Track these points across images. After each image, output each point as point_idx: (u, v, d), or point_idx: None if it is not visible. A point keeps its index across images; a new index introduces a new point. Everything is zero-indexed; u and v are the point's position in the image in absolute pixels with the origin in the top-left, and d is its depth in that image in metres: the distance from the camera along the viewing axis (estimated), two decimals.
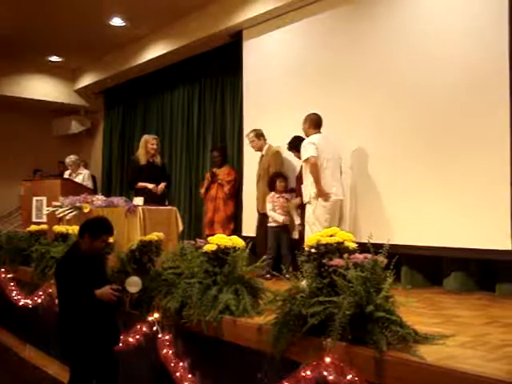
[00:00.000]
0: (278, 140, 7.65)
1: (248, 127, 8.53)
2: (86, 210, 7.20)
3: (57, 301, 4.38)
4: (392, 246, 3.34)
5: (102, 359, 4.17)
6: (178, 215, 7.05)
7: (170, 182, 8.44)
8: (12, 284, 7.56)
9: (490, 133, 5.73)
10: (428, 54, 6.33)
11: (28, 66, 13.11)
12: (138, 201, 6.79)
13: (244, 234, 8.10)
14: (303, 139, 6.78)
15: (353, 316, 3.00)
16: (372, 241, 3.32)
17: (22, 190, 9.92)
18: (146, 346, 4.71)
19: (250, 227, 8.23)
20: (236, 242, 4.41)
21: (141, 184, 7.60)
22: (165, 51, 10.57)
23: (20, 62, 12.87)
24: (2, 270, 7.85)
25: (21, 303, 7.14)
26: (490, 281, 5.89)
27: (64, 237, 6.68)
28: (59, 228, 6.92)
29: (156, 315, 4.63)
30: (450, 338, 3.29)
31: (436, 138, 6.19)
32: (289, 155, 7.74)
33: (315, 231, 5.82)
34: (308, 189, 6.26)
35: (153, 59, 11.04)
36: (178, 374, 4.31)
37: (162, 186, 7.71)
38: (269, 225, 7.28)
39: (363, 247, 3.39)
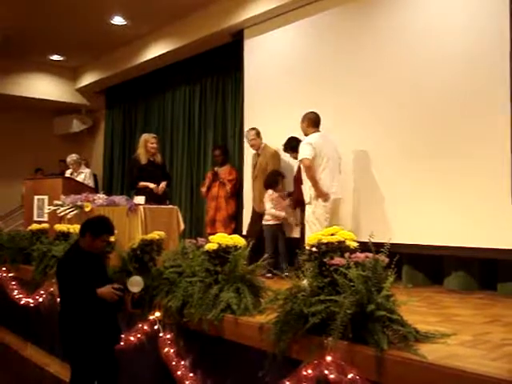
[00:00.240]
0: (279, 139, 7.63)
1: (249, 126, 8.53)
2: (87, 209, 7.21)
3: (58, 300, 4.39)
4: (393, 245, 3.34)
5: (103, 358, 4.17)
6: (179, 214, 7.05)
7: (170, 180, 8.44)
8: (13, 283, 7.58)
9: (490, 132, 5.73)
10: (428, 53, 6.33)
11: (29, 65, 13.12)
12: (140, 200, 6.79)
13: (244, 233, 8.10)
14: (299, 140, 6.79)
15: (354, 315, 3.01)
16: (373, 240, 3.32)
17: (23, 188, 9.93)
18: (147, 344, 4.72)
19: None
20: (237, 240, 4.41)
21: (142, 183, 7.60)
22: (166, 50, 10.57)
23: (21, 61, 12.88)
24: (4, 268, 7.87)
25: (22, 302, 7.16)
26: (491, 280, 5.90)
27: (65, 236, 6.69)
28: (60, 227, 6.93)
29: (157, 314, 4.64)
30: (451, 336, 3.30)
31: (437, 137, 6.19)
32: (285, 155, 7.77)
33: (315, 231, 5.84)
34: (308, 189, 6.27)
35: (154, 58, 11.03)
36: (179, 372, 4.32)
37: (163, 185, 7.70)
38: (267, 223, 7.27)
39: (364, 246, 3.40)
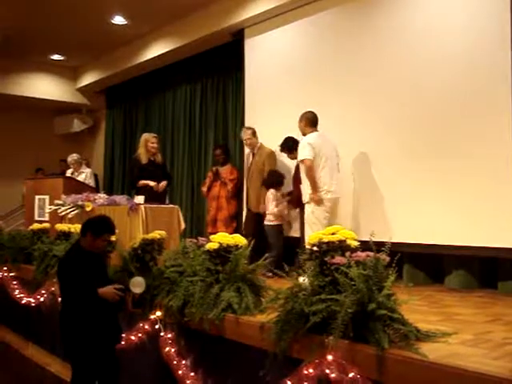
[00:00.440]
0: (279, 138, 7.62)
1: (249, 125, 8.54)
2: (88, 209, 7.21)
3: (59, 299, 4.39)
4: (394, 244, 3.35)
5: (104, 358, 4.17)
6: (180, 214, 7.06)
7: (170, 180, 8.43)
8: (14, 282, 7.59)
9: (490, 132, 5.73)
10: (428, 53, 6.33)
11: (30, 65, 13.13)
12: (139, 199, 6.79)
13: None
14: (295, 140, 6.80)
15: (355, 314, 3.01)
16: (374, 239, 3.32)
17: (24, 188, 9.94)
18: (148, 344, 4.73)
19: None
20: (238, 240, 4.41)
21: (142, 182, 7.60)
22: (166, 50, 10.58)
23: (22, 61, 12.89)
24: (5, 268, 7.88)
25: (23, 302, 7.16)
26: (492, 279, 5.90)
27: (66, 235, 6.70)
28: (61, 226, 6.94)
29: (158, 313, 4.64)
30: (452, 335, 3.30)
31: (437, 136, 6.18)
32: (281, 155, 7.81)
33: (316, 230, 5.86)
34: (307, 189, 6.27)
35: (154, 58, 11.04)
36: (180, 372, 4.32)
37: (164, 183, 7.71)
38: (271, 223, 7.26)
39: (365, 245, 3.40)
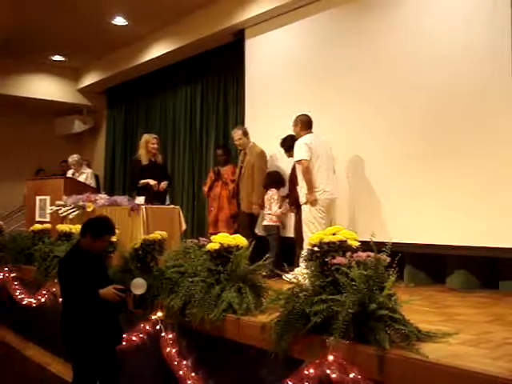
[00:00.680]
0: (280, 138, 7.63)
1: (250, 125, 8.55)
2: (89, 209, 7.22)
3: (60, 300, 4.39)
4: (394, 244, 3.34)
5: (105, 358, 4.17)
6: (181, 214, 7.07)
7: (171, 181, 8.43)
8: (16, 283, 7.59)
9: (491, 132, 5.72)
10: (429, 53, 6.33)
11: (31, 66, 13.14)
12: (139, 200, 6.80)
13: None
14: (295, 138, 6.81)
15: (355, 314, 3.01)
16: (374, 239, 3.32)
17: (25, 189, 9.94)
18: (149, 344, 4.73)
19: None
20: (239, 240, 4.41)
21: (142, 181, 7.61)
22: (167, 50, 10.58)
23: (23, 62, 12.90)
24: (6, 269, 7.87)
25: (24, 302, 7.17)
26: (494, 279, 5.90)
27: (67, 236, 6.71)
28: (62, 227, 6.94)
29: (159, 314, 4.64)
30: (453, 336, 3.30)
31: (438, 136, 6.18)
32: (273, 155, 7.85)
33: (314, 230, 5.93)
34: (304, 189, 6.29)
35: (155, 58, 11.05)
36: (181, 372, 4.32)
37: (164, 183, 7.72)
38: (273, 224, 7.24)
39: (366, 246, 3.40)
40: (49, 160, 13.45)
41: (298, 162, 6.32)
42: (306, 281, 3.48)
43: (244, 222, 7.72)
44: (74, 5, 9.57)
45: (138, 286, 4.41)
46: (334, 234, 3.48)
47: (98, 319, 4.07)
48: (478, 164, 5.80)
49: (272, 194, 7.28)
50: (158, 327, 4.63)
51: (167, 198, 8.22)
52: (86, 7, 9.68)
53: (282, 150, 7.45)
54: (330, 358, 3.02)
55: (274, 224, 7.24)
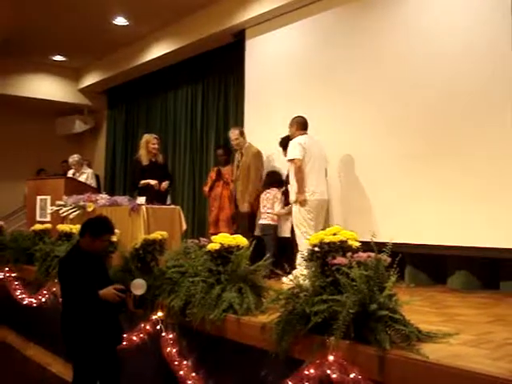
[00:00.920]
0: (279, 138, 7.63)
1: (250, 126, 8.56)
2: (89, 209, 7.23)
3: (60, 300, 4.39)
4: (395, 244, 3.34)
5: (105, 358, 4.17)
6: (182, 214, 7.07)
7: (172, 181, 8.43)
8: (16, 283, 7.59)
9: (493, 132, 5.72)
10: (432, 53, 6.33)
11: (31, 66, 13.16)
12: (140, 200, 6.81)
13: None
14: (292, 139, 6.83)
15: (356, 314, 3.01)
16: (375, 240, 3.32)
17: (26, 189, 9.95)
18: (149, 344, 4.73)
19: None
20: (239, 240, 4.41)
21: (143, 181, 7.62)
22: (168, 50, 10.59)
23: (23, 62, 12.92)
24: (7, 269, 7.88)
25: (25, 302, 7.17)
26: (494, 279, 5.89)
27: (68, 236, 6.71)
28: (63, 227, 6.94)
29: (160, 314, 4.64)
30: (454, 336, 3.29)
31: (439, 136, 6.18)
32: (269, 156, 7.88)
33: (303, 230, 6.10)
34: (294, 188, 6.35)
35: (156, 58, 11.05)
36: (181, 372, 4.32)
37: (166, 183, 7.72)
38: (272, 223, 7.24)
39: (366, 246, 3.40)
40: (50, 160, 13.47)
41: (291, 161, 6.39)
42: (306, 281, 3.48)
43: (243, 222, 7.72)
44: (75, 5, 9.58)
45: (138, 286, 4.40)
46: (334, 235, 3.47)
47: (98, 319, 4.07)
48: (478, 164, 5.79)
49: (275, 193, 7.27)
50: (158, 327, 4.63)
51: (168, 198, 8.23)
52: (86, 7, 9.69)
53: (281, 150, 7.45)
54: (331, 358, 3.01)
55: (273, 223, 7.24)
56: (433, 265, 6.42)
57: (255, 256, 4.49)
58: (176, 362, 4.39)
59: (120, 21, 10.39)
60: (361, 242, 3.49)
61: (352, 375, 2.92)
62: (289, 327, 3.35)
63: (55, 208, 7.91)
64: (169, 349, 4.47)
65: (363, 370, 2.92)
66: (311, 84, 7.76)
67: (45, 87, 13.53)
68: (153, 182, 7.57)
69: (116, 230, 4.94)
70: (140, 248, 5.14)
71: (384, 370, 2.87)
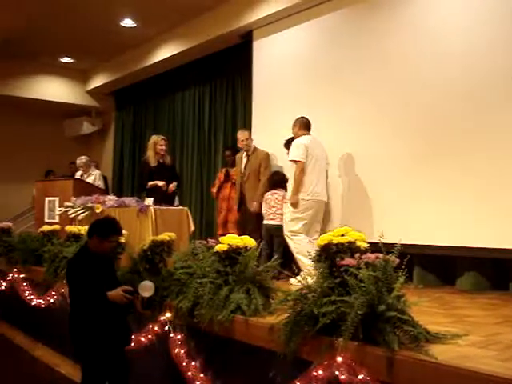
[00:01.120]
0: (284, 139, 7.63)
1: (257, 127, 8.56)
2: (97, 211, 7.24)
3: (68, 301, 4.41)
4: (404, 245, 3.33)
5: (114, 359, 4.18)
6: (190, 215, 7.08)
7: (180, 182, 8.45)
8: (25, 284, 7.62)
9: (499, 132, 5.70)
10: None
11: (40, 68, 13.22)
12: (148, 201, 6.82)
13: None
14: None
15: (364, 315, 3.00)
16: (383, 241, 3.31)
17: (34, 190, 9.98)
18: (158, 345, 4.73)
19: None
20: (247, 241, 4.41)
21: (151, 183, 7.63)
22: (175, 52, 10.61)
23: (32, 64, 12.97)
24: (15, 270, 7.91)
25: (33, 303, 7.19)
26: (503, 280, 5.87)
27: (76, 237, 6.71)
28: (71, 228, 6.95)
29: (168, 315, 4.65)
30: (462, 337, 3.28)
31: (449, 136, 6.16)
32: (280, 157, 7.86)
33: (294, 229, 6.33)
34: (291, 188, 6.46)
35: (163, 60, 11.08)
36: (189, 373, 4.32)
37: (173, 185, 7.73)
38: (279, 224, 7.23)
39: (374, 247, 3.39)
40: (58, 161, 13.52)
41: (293, 161, 6.41)
42: (313, 279, 3.48)
43: (253, 224, 7.72)
44: (83, 7, 9.61)
45: (146, 288, 4.42)
46: (342, 236, 3.47)
47: (106, 320, 4.08)
48: (488, 165, 5.77)
49: (284, 194, 7.22)
50: (166, 328, 4.63)
51: (176, 199, 8.24)
52: (94, 9, 9.72)
53: (286, 152, 7.44)
54: (339, 359, 3.01)
55: (280, 224, 7.22)
56: (441, 266, 6.40)
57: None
58: (184, 363, 4.39)
59: (127, 23, 10.42)
60: (368, 242, 3.49)
61: (360, 376, 2.91)
62: (297, 328, 3.35)
63: (63, 209, 7.93)
64: (177, 350, 4.48)
65: (372, 371, 2.92)
66: (318, 85, 7.75)
67: (53, 89, 13.58)
68: (160, 183, 7.60)
69: (124, 232, 4.96)
70: (148, 249, 5.15)
71: (392, 371, 2.86)
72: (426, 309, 4.36)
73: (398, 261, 3.21)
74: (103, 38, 11.25)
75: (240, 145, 7.99)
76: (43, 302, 6.92)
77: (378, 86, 6.93)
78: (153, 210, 6.59)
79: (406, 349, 2.92)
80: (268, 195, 7.36)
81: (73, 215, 7.66)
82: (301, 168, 6.31)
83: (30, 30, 10.72)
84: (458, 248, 5.96)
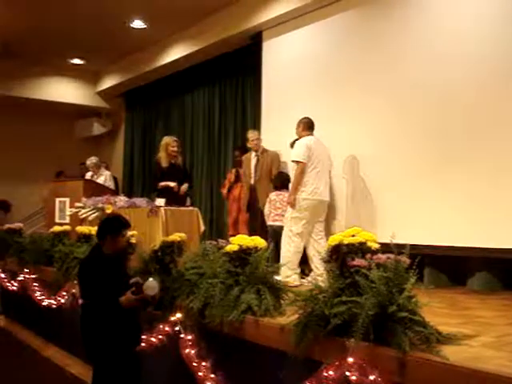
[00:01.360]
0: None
1: (267, 128, 8.56)
2: (108, 211, 7.26)
3: (80, 301, 4.42)
4: (415, 246, 3.32)
5: (125, 360, 4.19)
6: (200, 216, 7.09)
7: (191, 183, 8.46)
8: (36, 284, 7.65)
9: (505, 132, 5.68)
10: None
11: (50, 69, 13.29)
12: (160, 202, 6.84)
13: None
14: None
15: (375, 316, 3.00)
16: (394, 241, 3.31)
17: (45, 191, 10.02)
18: (168, 345, 4.74)
19: None
20: (258, 242, 4.41)
21: (162, 183, 7.65)
22: (185, 53, 10.64)
23: (42, 65, 13.03)
24: (26, 270, 7.94)
25: (44, 303, 7.22)
26: None
27: (87, 237, 6.75)
28: (82, 229, 6.98)
29: (178, 315, 4.65)
30: (474, 338, 3.27)
31: (460, 138, 6.14)
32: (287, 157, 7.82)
33: (293, 229, 6.35)
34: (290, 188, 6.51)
35: (173, 61, 11.11)
36: (200, 373, 4.32)
37: (185, 186, 7.75)
38: (282, 224, 7.23)
39: (385, 247, 3.38)
40: (69, 162, 13.57)
41: (295, 161, 6.45)
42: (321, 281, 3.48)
43: (262, 224, 7.71)
44: (93, 8, 9.65)
45: (150, 287, 4.40)
46: (353, 236, 3.46)
47: (117, 320, 4.08)
48: (499, 165, 5.75)
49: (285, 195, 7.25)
50: (177, 328, 4.64)
51: (188, 199, 8.25)
52: (104, 11, 9.76)
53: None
54: (350, 360, 3.00)
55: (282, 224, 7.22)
56: (452, 266, 6.38)
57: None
58: (195, 363, 4.39)
59: (138, 24, 10.45)
60: (379, 243, 3.48)
61: (372, 377, 2.91)
62: (308, 329, 3.34)
63: (74, 210, 7.97)
64: (187, 350, 4.48)
65: (383, 371, 2.91)
66: (328, 85, 7.74)
67: (63, 90, 13.66)
68: (172, 184, 7.61)
69: (134, 232, 4.97)
70: (159, 250, 5.16)
71: (404, 372, 2.85)
72: (437, 309, 4.35)
73: (409, 261, 3.20)
74: (113, 40, 11.29)
75: (250, 144, 8.00)
76: (54, 303, 6.95)
77: (390, 86, 6.90)
78: (163, 211, 6.61)
79: (417, 350, 2.91)
80: (273, 196, 7.33)
81: (83, 216, 7.70)
82: (301, 168, 6.34)
83: (41, 32, 10.80)
84: (470, 248, 5.93)
